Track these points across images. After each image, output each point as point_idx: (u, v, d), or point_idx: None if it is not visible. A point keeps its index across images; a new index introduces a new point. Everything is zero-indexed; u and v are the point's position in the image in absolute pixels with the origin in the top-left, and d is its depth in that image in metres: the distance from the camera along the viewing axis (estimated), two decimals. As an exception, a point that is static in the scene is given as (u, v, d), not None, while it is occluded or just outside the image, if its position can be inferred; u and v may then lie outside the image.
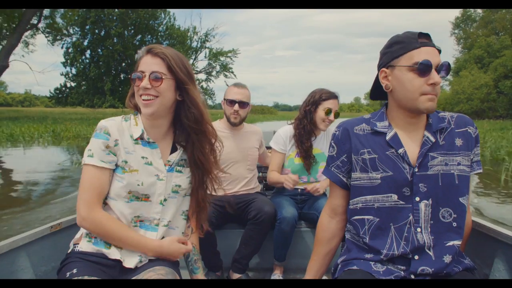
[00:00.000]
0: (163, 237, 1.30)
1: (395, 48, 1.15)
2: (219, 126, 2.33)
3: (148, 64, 1.21)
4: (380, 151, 1.18)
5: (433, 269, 1.12)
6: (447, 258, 1.13)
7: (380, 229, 1.17)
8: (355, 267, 1.18)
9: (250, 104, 2.32)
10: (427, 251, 1.13)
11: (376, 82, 1.25)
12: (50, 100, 44.17)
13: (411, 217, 1.14)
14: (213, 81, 45.86)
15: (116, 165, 1.24)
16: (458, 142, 1.18)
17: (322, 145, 2.36)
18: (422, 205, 1.13)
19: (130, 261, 1.22)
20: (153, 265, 1.22)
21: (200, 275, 1.43)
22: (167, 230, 1.31)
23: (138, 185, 1.24)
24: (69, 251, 1.26)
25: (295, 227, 2.10)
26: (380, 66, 1.21)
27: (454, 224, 1.15)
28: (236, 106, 2.22)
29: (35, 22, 23.78)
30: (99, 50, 41.84)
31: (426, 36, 1.14)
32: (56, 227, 1.60)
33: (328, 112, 2.23)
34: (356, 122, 1.26)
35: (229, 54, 43.36)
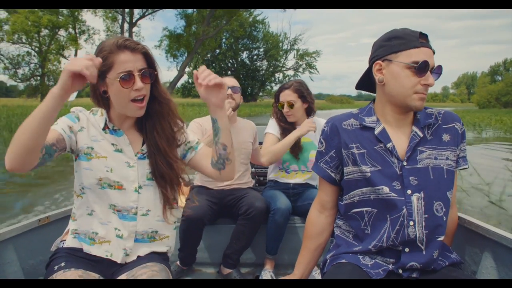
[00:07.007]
0: (146, 229, 1.26)
1: (395, 43, 1.14)
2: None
3: (132, 61, 1.13)
4: (368, 146, 1.19)
5: (421, 265, 1.12)
6: (436, 253, 1.14)
7: (379, 219, 1.17)
8: (343, 261, 1.19)
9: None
10: (419, 245, 1.12)
11: (365, 74, 1.26)
12: (176, 93, 59.83)
13: (404, 209, 1.13)
14: (299, 76, 56.97)
15: (78, 155, 1.22)
16: (446, 137, 1.19)
17: (309, 134, 2.31)
18: (414, 198, 1.13)
19: (116, 256, 1.21)
20: (145, 261, 1.21)
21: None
22: (148, 220, 1.26)
23: (107, 171, 1.22)
24: (56, 248, 1.26)
25: (288, 219, 2.12)
26: (374, 58, 1.19)
27: (444, 218, 1.15)
28: (229, 91, 2.21)
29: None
30: (209, 54, 56.15)
31: (425, 37, 1.14)
32: (44, 221, 1.55)
33: (281, 106, 2.26)
34: (344, 117, 1.27)
35: (313, 55, 54.00)
